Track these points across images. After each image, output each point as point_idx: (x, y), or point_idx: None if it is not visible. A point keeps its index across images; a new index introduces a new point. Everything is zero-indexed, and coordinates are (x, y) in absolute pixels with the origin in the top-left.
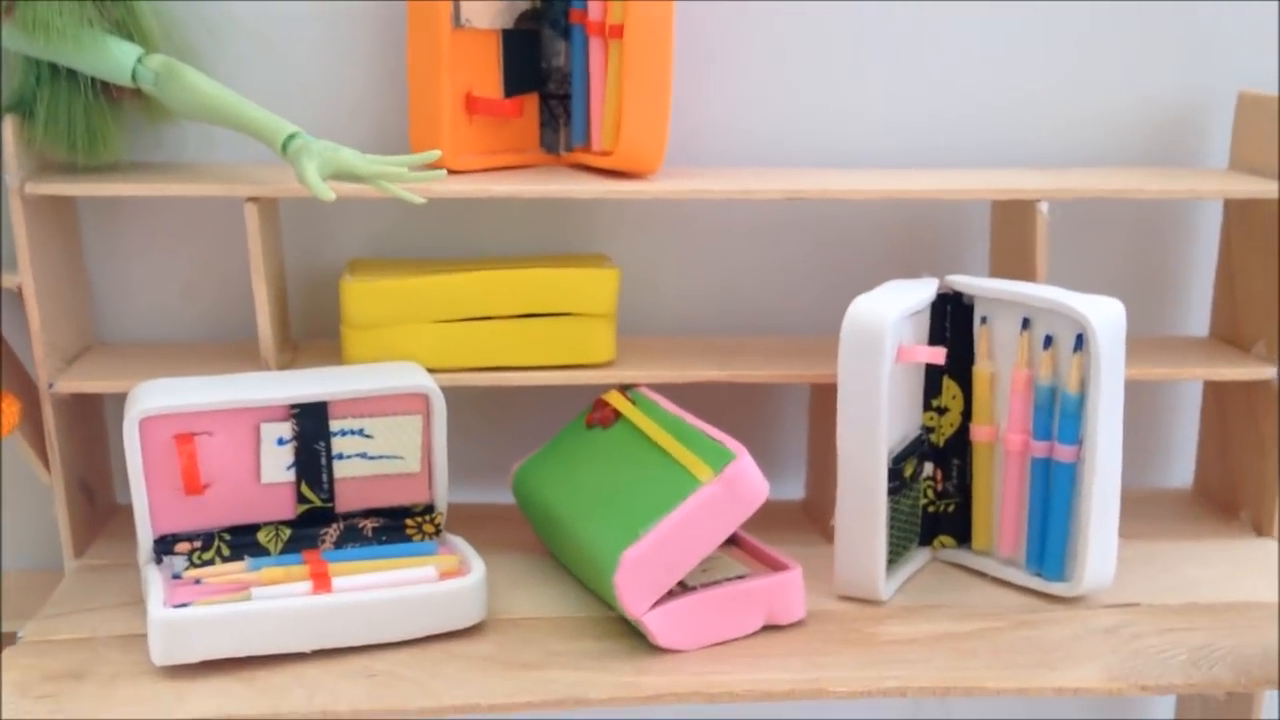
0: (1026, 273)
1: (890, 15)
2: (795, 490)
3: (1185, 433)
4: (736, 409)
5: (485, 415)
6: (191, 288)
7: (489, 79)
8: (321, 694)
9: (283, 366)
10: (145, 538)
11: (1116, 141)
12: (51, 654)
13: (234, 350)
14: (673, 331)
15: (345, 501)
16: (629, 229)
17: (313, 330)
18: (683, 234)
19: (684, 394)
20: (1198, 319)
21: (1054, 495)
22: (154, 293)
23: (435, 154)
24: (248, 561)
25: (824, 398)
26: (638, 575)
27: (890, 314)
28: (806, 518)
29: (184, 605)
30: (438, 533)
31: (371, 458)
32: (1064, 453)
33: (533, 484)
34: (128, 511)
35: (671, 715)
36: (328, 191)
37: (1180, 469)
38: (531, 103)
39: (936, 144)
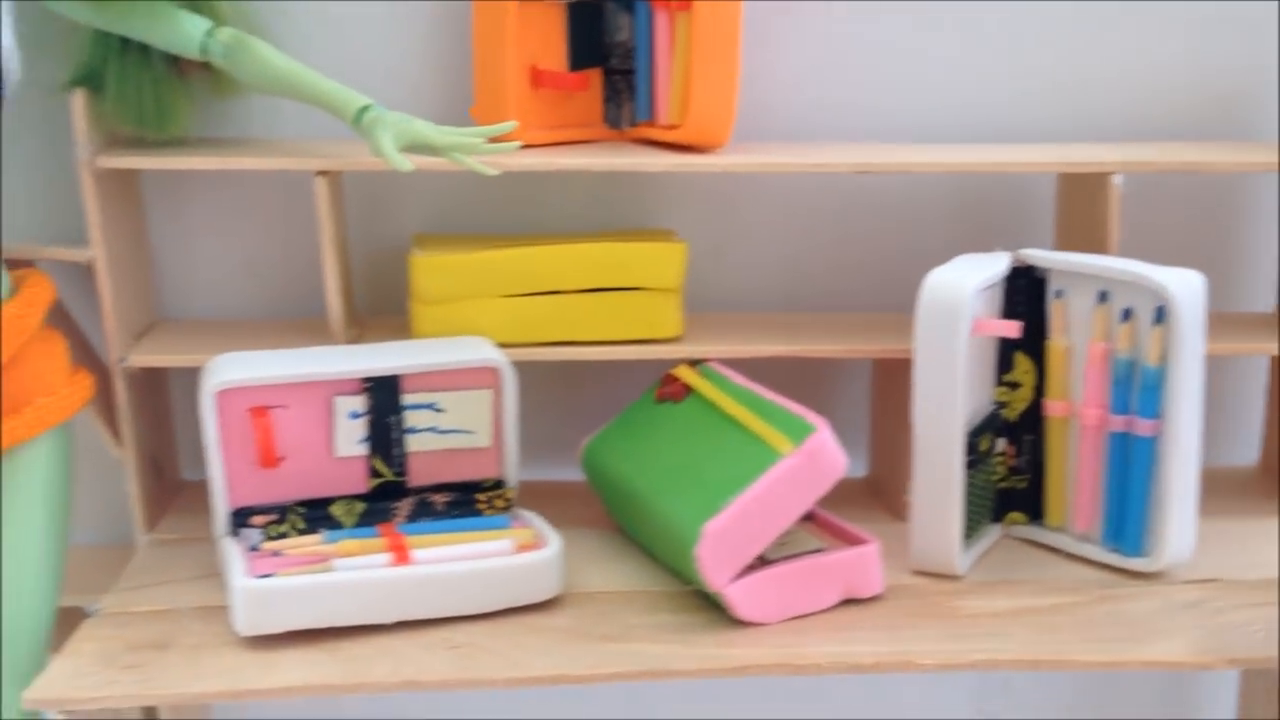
0: (1096, 246)
1: None
2: (857, 468)
3: (1250, 409)
4: (797, 385)
5: (551, 390)
6: (254, 263)
7: (554, 53)
8: (407, 665)
9: (351, 342)
10: (221, 511)
11: (1177, 114)
12: (133, 625)
13: (300, 326)
14: (736, 306)
15: (417, 476)
16: (692, 204)
17: (375, 305)
18: (745, 208)
19: (746, 369)
20: (1264, 294)
21: (1133, 470)
22: (217, 268)
23: (510, 125)
24: (324, 534)
25: (887, 373)
26: (720, 547)
27: (968, 286)
28: (870, 494)
29: (267, 576)
30: (508, 508)
31: (442, 432)
32: (1144, 426)
33: (603, 459)
34: (194, 487)
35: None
36: (405, 162)
37: (1245, 446)
38: (595, 78)
39: (998, 117)
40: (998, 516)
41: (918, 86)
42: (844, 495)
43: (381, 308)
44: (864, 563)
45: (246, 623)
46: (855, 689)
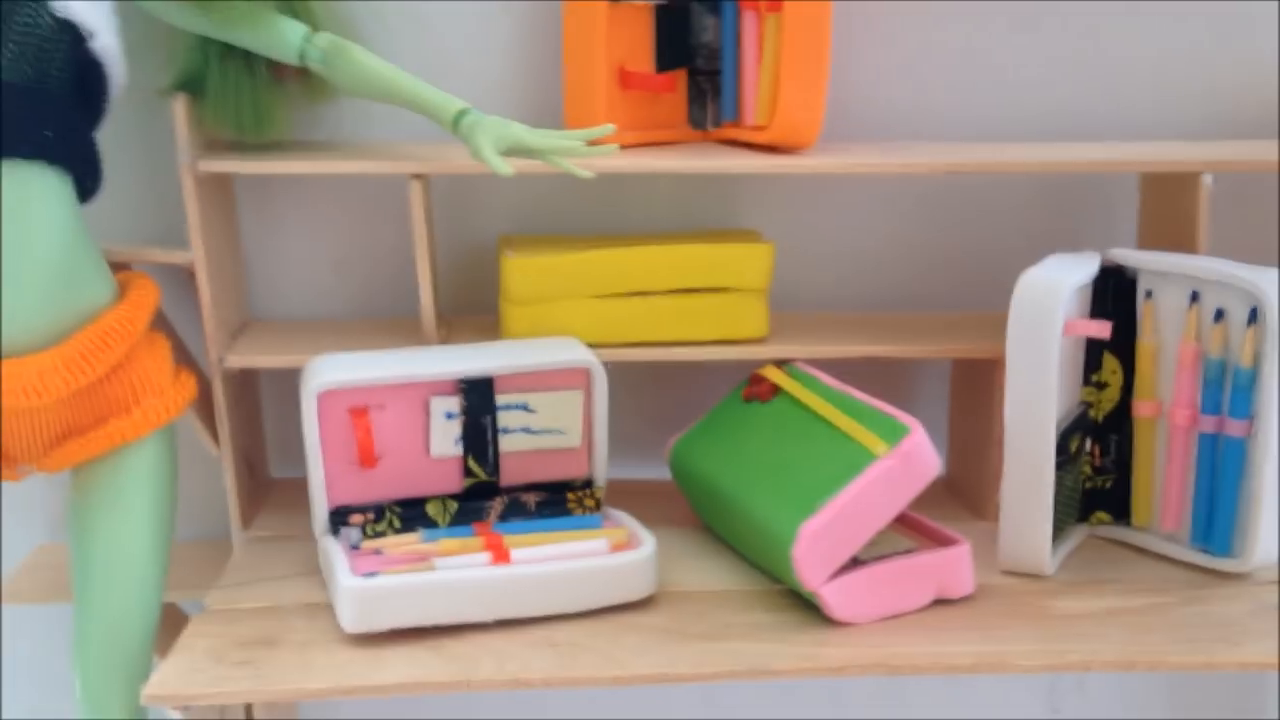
0: (1184, 245)
1: None
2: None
3: None
4: (877, 382)
5: (639, 390)
6: (344, 262)
7: (641, 54)
8: (511, 663)
9: (441, 341)
10: (321, 510)
11: (1262, 109)
12: (240, 622)
13: (389, 325)
14: (818, 304)
15: (509, 475)
16: (775, 202)
17: (460, 305)
18: (827, 207)
19: (828, 368)
20: None
21: (1223, 471)
22: (307, 267)
23: (608, 129)
24: (421, 533)
25: (966, 373)
26: (815, 548)
27: (1063, 287)
28: (949, 492)
29: (372, 575)
30: (598, 507)
31: (534, 432)
32: (1235, 427)
33: (692, 458)
34: (284, 485)
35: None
36: (506, 167)
37: None
38: (680, 78)
39: (1079, 113)
40: (1083, 516)
41: (1000, 84)
42: (923, 494)
43: (466, 307)
44: (955, 563)
45: (353, 621)
46: (928, 687)
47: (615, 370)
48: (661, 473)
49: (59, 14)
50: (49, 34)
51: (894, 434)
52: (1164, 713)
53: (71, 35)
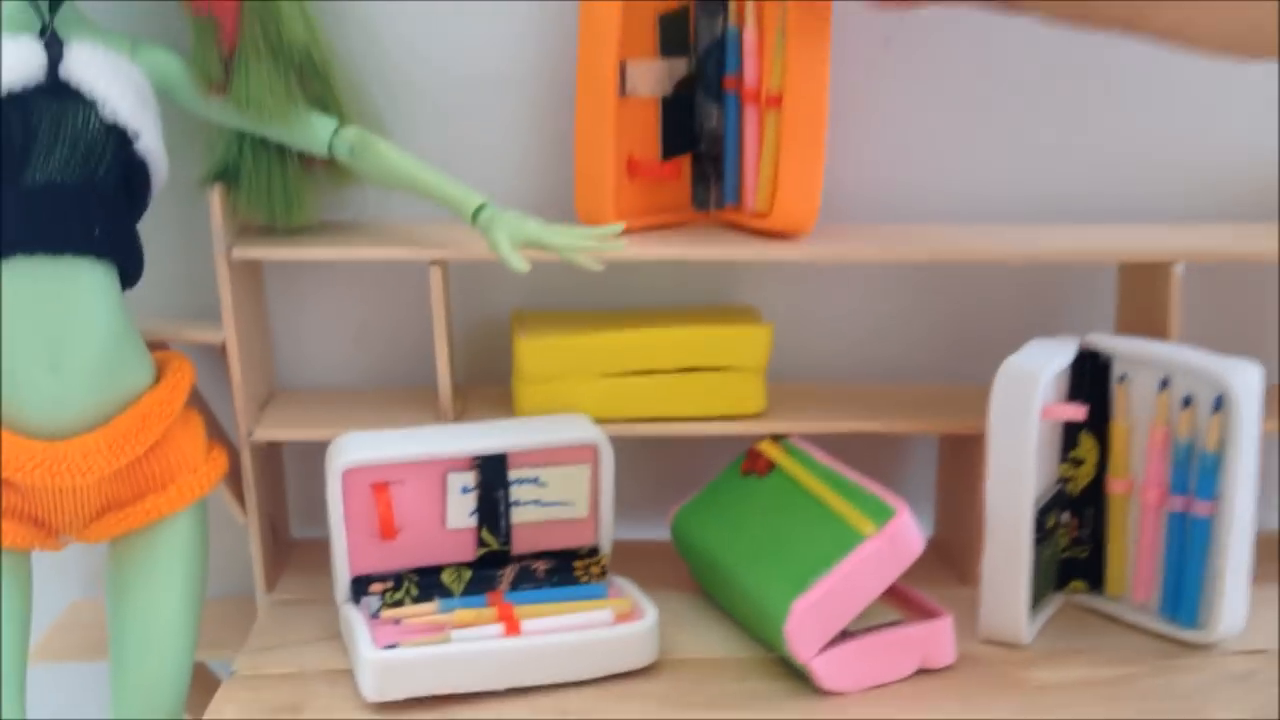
0: (1158, 330)
1: (1014, 72)
2: (923, 527)
3: None
4: (870, 450)
5: (644, 460)
6: (364, 336)
7: (649, 142)
8: None
9: (458, 414)
10: (343, 579)
11: (1235, 191)
12: (267, 688)
13: (408, 396)
14: (811, 375)
15: (520, 544)
16: (771, 281)
17: (475, 375)
18: (821, 285)
19: (823, 438)
20: None
21: (1190, 547)
22: (330, 341)
23: (618, 228)
24: (438, 603)
25: (953, 445)
26: (807, 623)
27: (1042, 375)
28: (936, 555)
29: (392, 646)
30: (603, 574)
31: (544, 504)
32: (1202, 507)
33: (692, 529)
34: (304, 546)
35: None
36: (522, 264)
37: None
38: (685, 163)
39: (1063, 195)
40: (1060, 584)
41: (988, 168)
42: None
43: (480, 377)
44: (939, 635)
45: (374, 690)
46: None
47: (622, 442)
48: (664, 533)
49: (108, 119)
50: (98, 137)
51: (881, 515)
52: None
53: (119, 137)
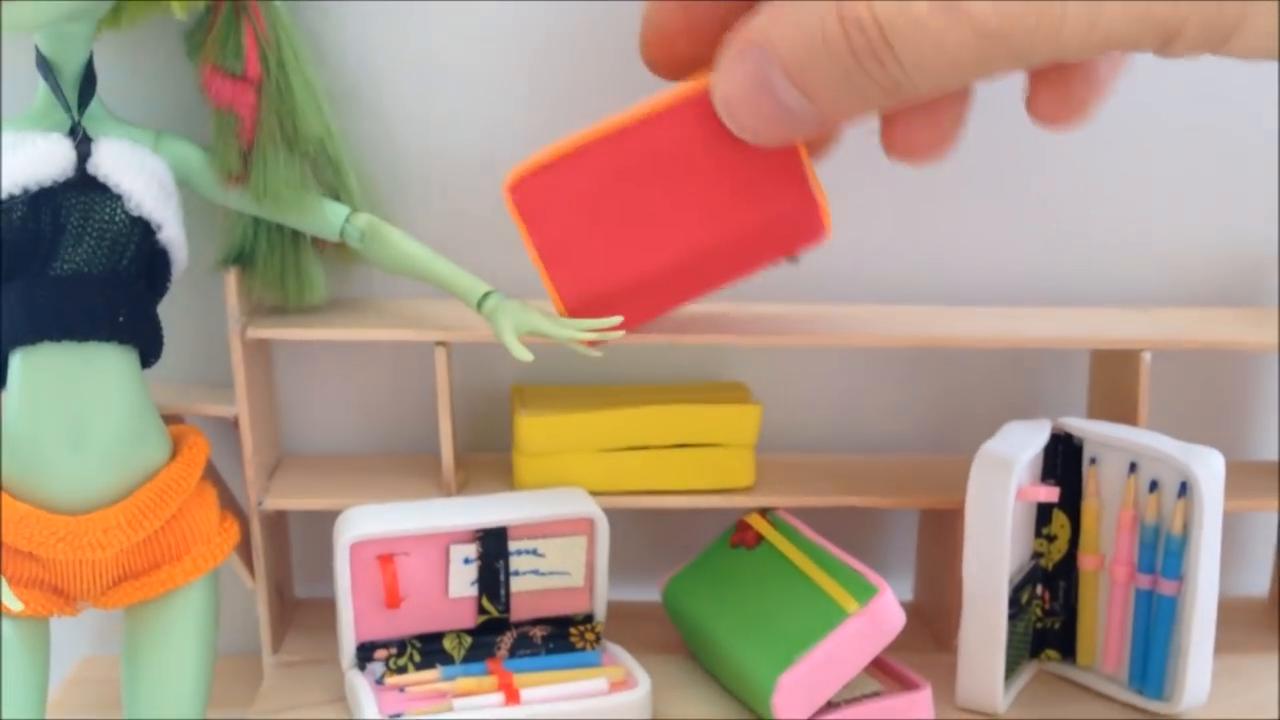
0: (1127, 414)
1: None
2: (903, 591)
3: (1262, 544)
4: (851, 519)
5: (637, 529)
6: (369, 406)
7: None
8: None
9: (460, 484)
10: (349, 645)
11: (1205, 277)
12: None
13: (412, 464)
14: (798, 447)
15: (518, 612)
16: (760, 358)
17: (476, 443)
18: (806, 362)
19: (807, 513)
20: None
21: (1156, 623)
22: (336, 410)
23: (616, 320)
24: (440, 670)
25: (934, 517)
26: (793, 697)
27: (1017, 461)
28: (916, 619)
29: (397, 716)
30: (598, 640)
31: (542, 574)
32: (1167, 586)
33: (682, 599)
34: (308, 605)
35: None
36: (524, 353)
37: (1257, 578)
38: None
39: (1037, 277)
40: (1034, 653)
41: (972, 251)
42: None
43: (481, 444)
44: (917, 706)
45: None
46: None
47: (617, 513)
48: (656, 594)
49: (133, 211)
50: (123, 229)
51: (864, 593)
52: None
53: (143, 229)
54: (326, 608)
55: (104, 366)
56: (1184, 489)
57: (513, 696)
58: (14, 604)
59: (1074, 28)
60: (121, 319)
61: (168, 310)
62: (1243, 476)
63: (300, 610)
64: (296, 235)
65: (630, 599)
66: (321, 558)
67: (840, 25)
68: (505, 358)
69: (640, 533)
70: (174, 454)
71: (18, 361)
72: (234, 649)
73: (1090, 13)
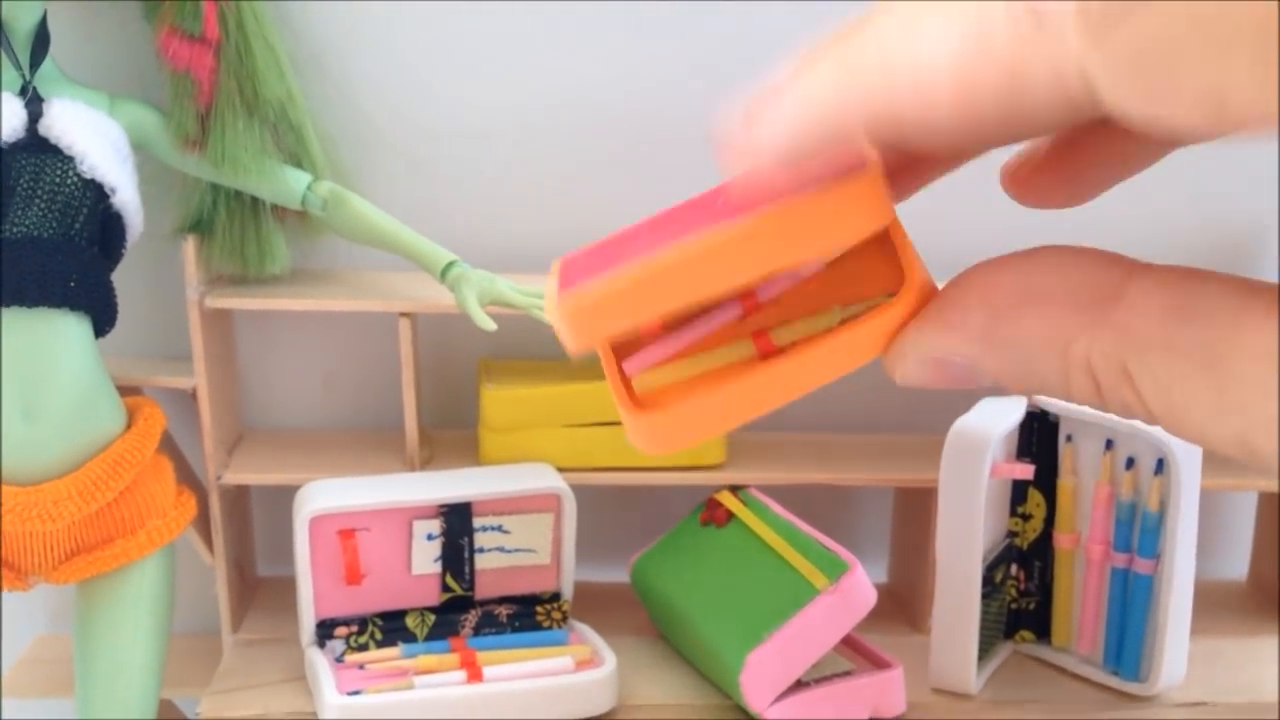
0: None
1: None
2: (878, 573)
3: (1240, 526)
4: (824, 499)
5: (605, 507)
6: (332, 380)
7: None
8: None
9: (424, 460)
10: (308, 622)
11: (1197, 256)
12: None
13: (375, 439)
14: (769, 425)
15: (483, 590)
16: None
17: (441, 419)
18: None
19: (779, 490)
20: None
21: (1132, 602)
22: (298, 384)
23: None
24: (402, 648)
25: (907, 496)
26: (761, 675)
27: (990, 436)
28: (889, 600)
29: (355, 693)
30: (565, 619)
31: (508, 551)
32: (1143, 565)
33: (651, 577)
34: (269, 584)
35: None
36: (488, 322)
37: (1235, 561)
38: None
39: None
40: (1009, 633)
41: (941, 230)
42: None
43: (446, 421)
44: (889, 685)
45: None
46: None
47: (584, 490)
48: (624, 575)
49: (85, 174)
50: (75, 192)
51: (835, 569)
52: None
53: (96, 192)
54: (288, 587)
55: (55, 334)
56: (1161, 466)
57: (475, 674)
58: None
59: None
60: (73, 284)
61: (123, 280)
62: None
63: (262, 589)
64: (257, 203)
65: (597, 579)
66: (284, 535)
67: (1090, 378)
68: (471, 332)
69: (607, 512)
70: (129, 426)
71: None
72: (193, 628)
73: None
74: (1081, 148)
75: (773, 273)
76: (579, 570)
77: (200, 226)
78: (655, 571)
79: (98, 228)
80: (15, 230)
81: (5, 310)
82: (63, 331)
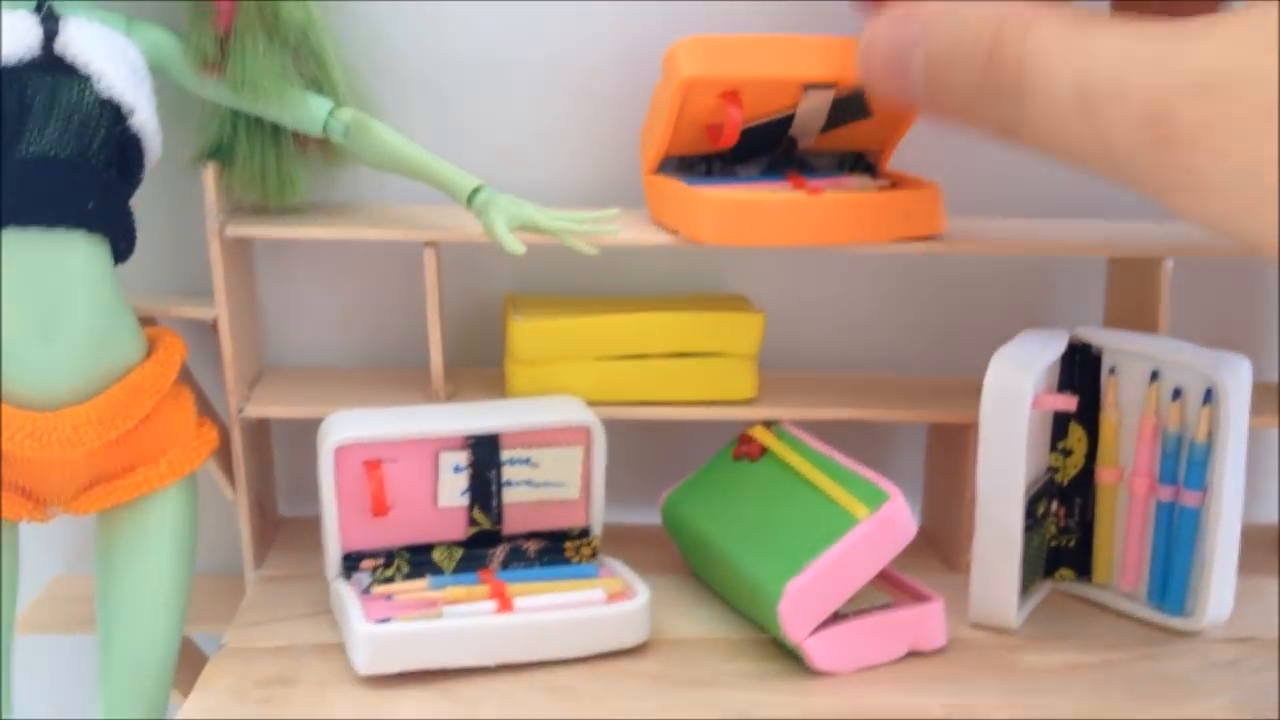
0: (1146, 323)
1: None
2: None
3: (1273, 469)
4: (859, 437)
5: (634, 444)
6: (354, 315)
7: None
8: (513, 705)
9: (449, 395)
10: (334, 555)
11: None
12: (257, 661)
13: (399, 376)
14: (804, 363)
15: (511, 525)
16: (761, 268)
17: (466, 358)
18: (812, 274)
19: (812, 427)
20: None
21: (1178, 536)
22: (320, 319)
23: (613, 212)
24: (429, 579)
25: (943, 434)
26: (801, 604)
27: (1033, 368)
28: (924, 542)
29: (384, 620)
30: (594, 555)
31: (536, 485)
32: (1190, 497)
33: (683, 512)
34: (292, 523)
35: None
36: (517, 245)
37: (1267, 505)
38: None
39: (1051, 189)
40: (1048, 571)
41: (978, 159)
42: None
43: (471, 359)
44: (929, 619)
45: (367, 663)
46: None
47: (613, 426)
48: (653, 518)
49: (102, 94)
50: (92, 112)
51: (875, 499)
52: None
53: (113, 113)
54: (310, 527)
55: (73, 256)
56: (1209, 395)
57: (506, 605)
58: None
59: None
60: (91, 206)
61: (142, 209)
62: (1264, 396)
63: (284, 528)
64: (277, 130)
65: (625, 521)
66: (306, 476)
67: (988, 57)
68: (498, 263)
69: (637, 448)
70: (149, 354)
71: None
72: (214, 568)
73: None
74: None
75: None
76: (609, 510)
77: (220, 154)
78: (688, 507)
79: (116, 149)
80: (32, 150)
81: (23, 231)
82: (82, 254)
